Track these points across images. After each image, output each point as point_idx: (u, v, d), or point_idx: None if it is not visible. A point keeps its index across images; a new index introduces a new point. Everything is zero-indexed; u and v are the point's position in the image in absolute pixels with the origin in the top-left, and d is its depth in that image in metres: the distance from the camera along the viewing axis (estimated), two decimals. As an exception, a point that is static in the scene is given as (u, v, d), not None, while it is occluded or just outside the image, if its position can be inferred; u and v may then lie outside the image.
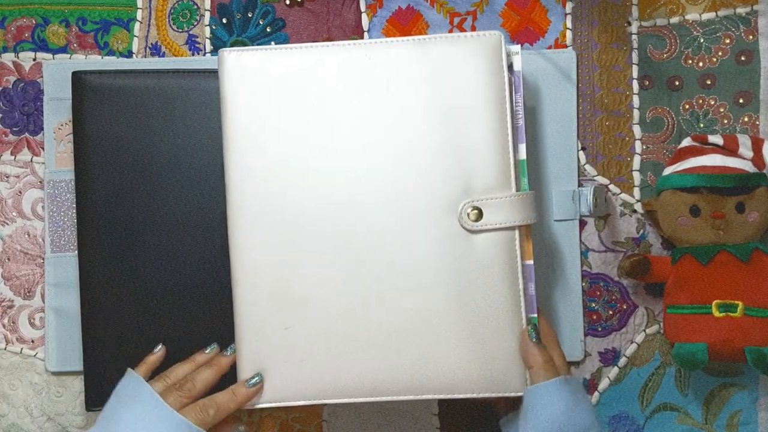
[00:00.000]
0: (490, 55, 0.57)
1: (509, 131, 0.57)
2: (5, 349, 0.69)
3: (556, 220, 0.68)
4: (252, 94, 0.58)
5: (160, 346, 0.62)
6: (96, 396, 0.64)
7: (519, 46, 0.60)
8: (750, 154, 0.65)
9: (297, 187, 0.57)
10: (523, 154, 0.59)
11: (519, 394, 0.56)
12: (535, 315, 0.58)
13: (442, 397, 0.57)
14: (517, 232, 0.57)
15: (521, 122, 0.59)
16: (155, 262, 0.63)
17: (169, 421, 0.54)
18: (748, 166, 0.65)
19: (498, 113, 0.57)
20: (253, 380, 0.57)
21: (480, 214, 0.56)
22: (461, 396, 0.57)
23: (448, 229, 0.57)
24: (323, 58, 0.58)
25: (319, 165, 0.57)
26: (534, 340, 0.56)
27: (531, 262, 0.59)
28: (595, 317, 0.70)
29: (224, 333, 0.61)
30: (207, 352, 0.61)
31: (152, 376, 0.60)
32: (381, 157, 0.57)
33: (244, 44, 0.69)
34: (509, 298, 0.57)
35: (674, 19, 0.70)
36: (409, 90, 0.57)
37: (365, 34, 0.70)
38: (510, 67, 0.59)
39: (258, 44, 0.69)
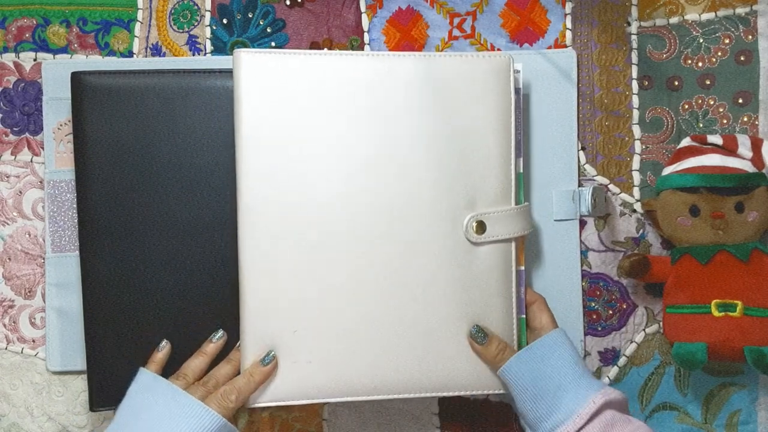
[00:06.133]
0: (499, 76, 0.60)
1: (512, 149, 0.60)
2: (6, 348, 0.69)
3: (556, 220, 0.69)
4: (267, 96, 0.58)
5: (164, 342, 0.62)
6: (100, 396, 0.64)
7: (520, 64, 0.63)
8: (749, 154, 0.65)
9: (306, 193, 0.58)
10: (520, 168, 0.61)
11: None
12: (524, 316, 0.62)
13: (441, 395, 0.60)
14: (514, 242, 0.60)
15: (520, 137, 0.61)
16: (156, 261, 0.63)
17: (191, 411, 0.53)
18: (748, 166, 0.65)
19: (503, 132, 0.59)
20: (268, 357, 0.57)
21: (483, 227, 0.59)
22: (460, 393, 0.60)
23: (453, 241, 0.59)
24: (338, 67, 0.58)
25: (330, 173, 0.58)
26: (479, 341, 0.59)
27: (522, 268, 0.62)
28: (594, 317, 0.70)
29: (226, 331, 0.62)
30: (215, 341, 0.61)
31: (164, 373, 0.60)
32: (390, 169, 0.58)
33: (245, 45, 0.69)
34: (504, 302, 0.60)
35: (674, 20, 0.70)
36: (421, 105, 0.59)
37: (365, 34, 0.70)
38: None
39: (258, 45, 0.69)
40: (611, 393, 0.55)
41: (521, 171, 0.62)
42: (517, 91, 0.61)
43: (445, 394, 0.60)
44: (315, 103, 0.58)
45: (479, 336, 0.59)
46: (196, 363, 0.59)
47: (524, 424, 0.59)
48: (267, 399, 0.58)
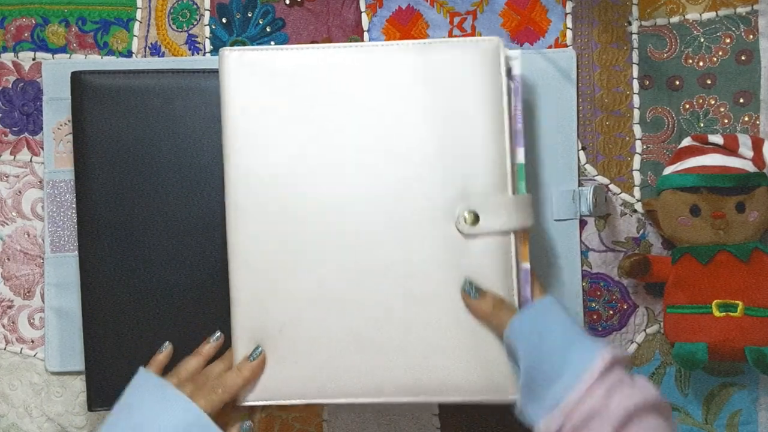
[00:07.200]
0: (488, 59, 0.57)
1: (506, 135, 0.57)
2: (5, 349, 0.68)
3: (556, 220, 0.68)
4: (252, 94, 0.58)
5: (166, 344, 0.62)
6: (98, 396, 0.64)
7: (519, 50, 0.60)
8: (750, 153, 0.65)
9: (295, 189, 0.57)
10: (521, 158, 0.58)
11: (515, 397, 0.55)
12: None
13: (435, 400, 0.57)
14: (513, 236, 0.57)
15: (520, 126, 0.59)
16: (156, 261, 0.63)
17: (175, 403, 0.53)
18: (749, 166, 0.65)
19: (495, 118, 0.57)
20: (255, 353, 0.57)
21: (476, 219, 0.56)
22: (454, 400, 0.57)
23: (445, 233, 0.56)
24: (324, 60, 0.58)
25: (317, 167, 0.57)
26: (473, 296, 0.56)
27: (528, 265, 0.58)
28: (595, 317, 0.70)
29: (225, 331, 0.61)
30: (212, 342, 0.61)
31: (163, 374, 0.60)
32: (379, 161, 0.57)
33: (244, 44, 0.69)
34: None
35: (674, 19, 0.70)
36: (408, 94, 0.57)
37: (365, 33, 0.70)
38: (509, 71, 0.59)
39: (258, 44, 0.69)
40: (617, 349, 0.52)
41: (522, 162, 0.59)
42: (513, 77, 0.59)
43: (440, 400, 0.57)
44: (302, 97, 0.57)
45: (472, 290, 0.56)
46: (191, 363, 0.59)
47: (524, 405, 0.53)
48: (255, 397, 0.58)
